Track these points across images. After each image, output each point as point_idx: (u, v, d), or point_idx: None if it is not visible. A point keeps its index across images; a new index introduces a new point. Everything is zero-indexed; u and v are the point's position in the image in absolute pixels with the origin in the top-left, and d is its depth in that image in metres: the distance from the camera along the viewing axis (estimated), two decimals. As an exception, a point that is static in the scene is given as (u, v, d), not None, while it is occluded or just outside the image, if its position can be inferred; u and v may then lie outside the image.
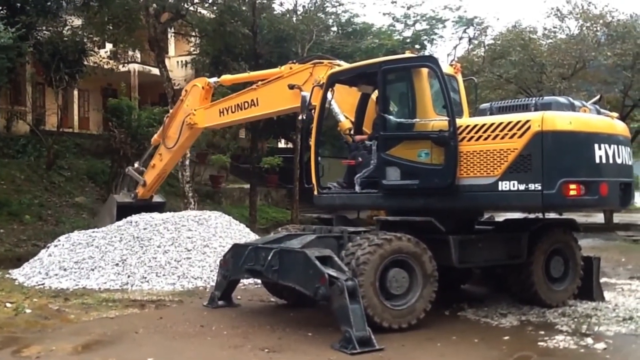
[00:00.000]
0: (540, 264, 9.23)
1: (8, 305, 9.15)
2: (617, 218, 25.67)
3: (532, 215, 10.22)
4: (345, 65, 10.63)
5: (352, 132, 9.76)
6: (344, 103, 10.11)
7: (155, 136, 14.35)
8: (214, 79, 13.48)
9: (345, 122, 9.90)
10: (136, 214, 13.09)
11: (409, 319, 7.84)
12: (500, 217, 11.11)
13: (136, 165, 14.82)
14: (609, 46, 22.43)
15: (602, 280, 10.63)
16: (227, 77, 13.75)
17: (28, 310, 8.86)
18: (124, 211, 13.57)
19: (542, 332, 7.79)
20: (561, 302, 9.33)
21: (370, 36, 28.15)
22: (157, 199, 14.94)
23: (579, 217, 12.08)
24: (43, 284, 10.98)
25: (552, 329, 8.02)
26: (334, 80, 9.65)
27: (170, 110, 14.84)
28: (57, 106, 22.26)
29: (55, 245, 12.37)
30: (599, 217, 25.12)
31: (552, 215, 10.00)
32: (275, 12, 24.09)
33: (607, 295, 10.05)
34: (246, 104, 12.14)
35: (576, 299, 9.61)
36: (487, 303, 9.47)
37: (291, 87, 10.74)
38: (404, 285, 7.91)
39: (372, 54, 22.61)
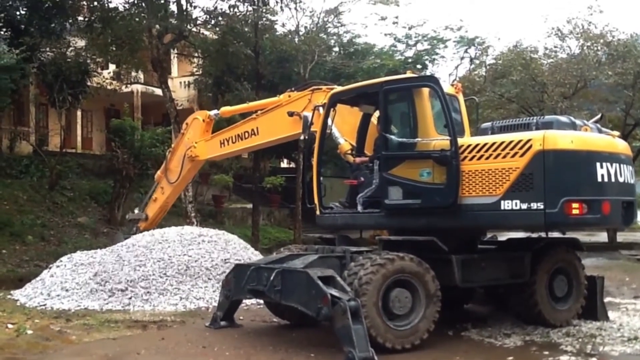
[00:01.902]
0: (544, 283, 9.19)
1: (9, 326, 9.12)
2: (621, 237, 25.58)
3: (535, 235, 10.20)
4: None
5: (352, 152, 9.78)
6: (345, 123, 10.16)
7: (159, 172, 14.43)
8: (214, 112, 13.61)
9: (345, 144, 9.96)
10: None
11: (412, 339, 7.80)
12: (503, 236, 11.08)
13: (136, 211, 14.91)
14: (610, 65, 22.53)
15: (606, 299, 10.58)
16: (226, 109, 13.90)
17: (29, 331, 8.83)
18: None
19: (547, 353, 7.75)
20: (565, 321, 9.28)
21: (372, 56, 28.27)
22: None
23: (582, 236, 12.06)
24: (45, 304, 10.94)
25: (556, 349, 7.97)
26: (335, 100, 9.69)
27: (173, 143, 14.93)
28: (60, 126, 22.38)
29: (58, 266, 12.35)
30: (602, 236, 25.04)
31: (555, 234, 9.98)
32: (277, 33, 24.23)
33: (611, 314, 10.00)
34: (246, 134, 12.25)
35: (580, 319, 9.56)
36: (490, 323, 9.42)
37: (291, 114, 10.85)
38: (407, 305, 7.88)
39: (373, 74, 22.69)
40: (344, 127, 10.15)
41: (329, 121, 9.60)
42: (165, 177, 13.96)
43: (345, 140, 10.03)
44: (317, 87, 11.21)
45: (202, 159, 13.46)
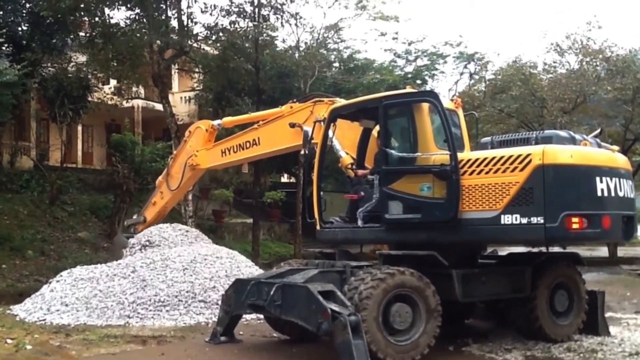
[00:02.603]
0: (545, 298, 9.18)
1: (9, 341, 9.08)
2: (622, 252, 25.52)
3: (535, 249, 10.20)
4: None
5: (353, 167, 9.80)
6: (345, 138, 10.19)
7: (160, 177, 14.50)
8: (217, 122, 13.65)
9: (346, 157, 9.97)
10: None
11: (413, 354, 7.76)
12: (504, 251, 11.07)
13: (135, 217, 15.07)
14: (609, 81, 22.61)
15: (608, 314, 10.55)
16: (228, 119, 13.96)
17: (29, 347, 8.80)
18: None
19: (548, 368, 7.72)
20: (566, 336, 9.25)
21: (372, 72, 28.38)
22: None
23: (583, 251, 12.06)
24: (44, 319, 10.90)
25: (557, 364, 7.94)
26: (335, 115, 9.73)
27: (175, 151, 15.00)
28: (60, 141, 22.44)
29: (57, 281, 12.31)
30: (603, 251, 25.00)
31: (555, 249, 9.97)
32: (277, 49, 24.36)
33: (612, 329, 9.97)
34: (248, 144, 12.27)
35: (581, 334, 9.54)
36: (491, 338, 9.39)
37: (292, 125, 10.87)
38: (408, 320, 7.86)
39: (373, 89, 22.76)
40: (344, 141, 10.18)
41: (330, 134, 9.64)
42: (166, 183, 14.03)
43: (346, 154, 10.05)
44: (319, 99, 11.26)
45: (203, 167, 13.51)
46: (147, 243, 13.44)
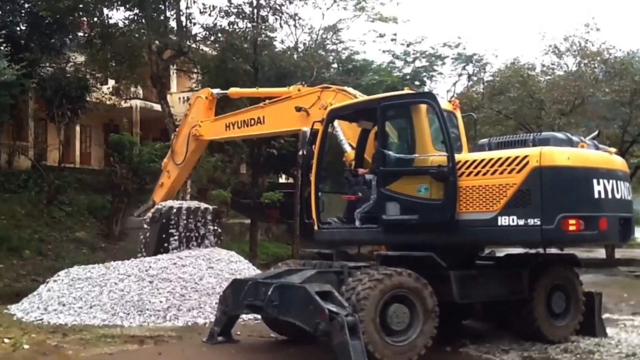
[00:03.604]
0: (542, 299, 9.20)
1: (6, 341, 9.07)
2: (619, 253, 25.55)
3: (532, 251, 10.21)
4: (353, 91, 10.79)
5: (352, 166, 9.81)
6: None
7: (165, 159, 14.56)
8: (217, 90, 13.65)
9: (352, 152, 9.96)
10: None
11: (410, 355, 7.77)
12: (501, 252, 11.08)
13: (143, 205, 15.06)
14: (607, 83, 22.67)
15: (605, 316, 10.56)
16: (235, 90, 14.01)
17: (26, 346, 8.79)
18: None
19: (544, 369, 7.73)
20: (563, 338, 9.27)
21: (370, 73, 28.37)
22: None
23: (580, 253, 12.07)
24: (42, 319, 10.90)
25: (554, 365, 7.95)
26: (334, 115, 9.73)
27: (177, 129, 15.02)
28: (58, 141, 22.45)
29: (55, 281, 12.32)
30: (600, 253, 25.01)
31: (553, 250, 9.98)
32: (276, 50, 24.34)
33: (609, 331, 9.99)
34: (252, 121, 12.31)
35: (578, 335, 9.55)
36: (488, 339, 9.40)
37: (298, 109, 10.91)
38: (405, 321, 7.86)
39: (372, 90, 22.68)
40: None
41: (335, 124, 9.64)
42: (172, 160, 14.06)
43: (352, 148, 10.04)
44: (327, 86, 11.32)
45: (206, 138, 13.53)
46: (159, 214, 13.41)
